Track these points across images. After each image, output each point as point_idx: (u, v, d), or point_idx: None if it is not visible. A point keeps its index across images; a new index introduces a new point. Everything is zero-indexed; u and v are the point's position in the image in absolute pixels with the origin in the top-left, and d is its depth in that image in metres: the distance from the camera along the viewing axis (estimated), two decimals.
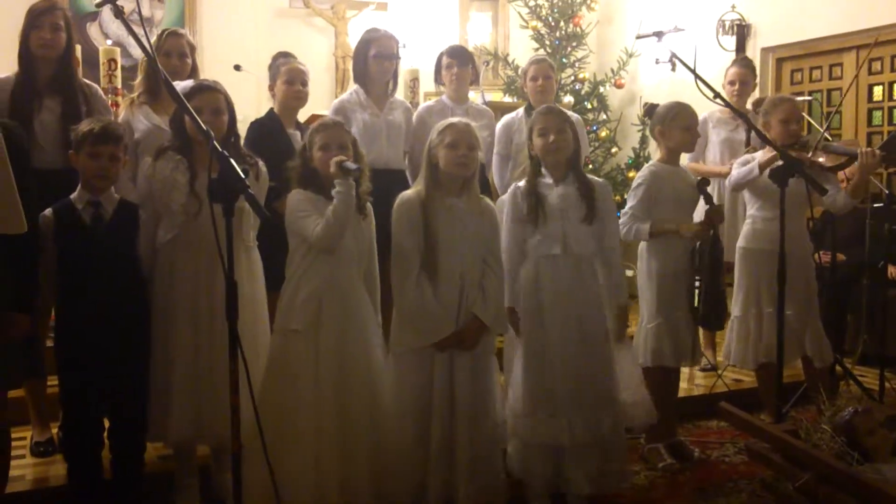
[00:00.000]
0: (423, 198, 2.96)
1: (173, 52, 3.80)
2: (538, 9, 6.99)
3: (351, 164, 2.80)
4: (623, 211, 3.47)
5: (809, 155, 3.65)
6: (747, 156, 3.86)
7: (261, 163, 3.10)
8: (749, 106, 4.64)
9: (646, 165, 3.63)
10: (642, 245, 3.54)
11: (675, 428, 3.67)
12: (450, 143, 2.93)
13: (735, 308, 3.89)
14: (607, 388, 3.08)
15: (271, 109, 3.91)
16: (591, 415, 3.01)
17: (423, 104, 4.73)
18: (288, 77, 3.82)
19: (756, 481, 3.30)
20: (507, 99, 6.82)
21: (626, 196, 6.49)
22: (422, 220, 2.93)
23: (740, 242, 3.90)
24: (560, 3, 6.95)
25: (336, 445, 2.79)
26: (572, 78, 6.91)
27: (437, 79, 4.45)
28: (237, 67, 5.67)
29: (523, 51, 7.07)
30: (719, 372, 4.34)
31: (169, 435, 2.97)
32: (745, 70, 4.67)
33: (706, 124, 4.58)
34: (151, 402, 2.97)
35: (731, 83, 4.62)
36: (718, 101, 3.36)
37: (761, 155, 3.75)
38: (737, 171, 3.79)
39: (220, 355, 2.74)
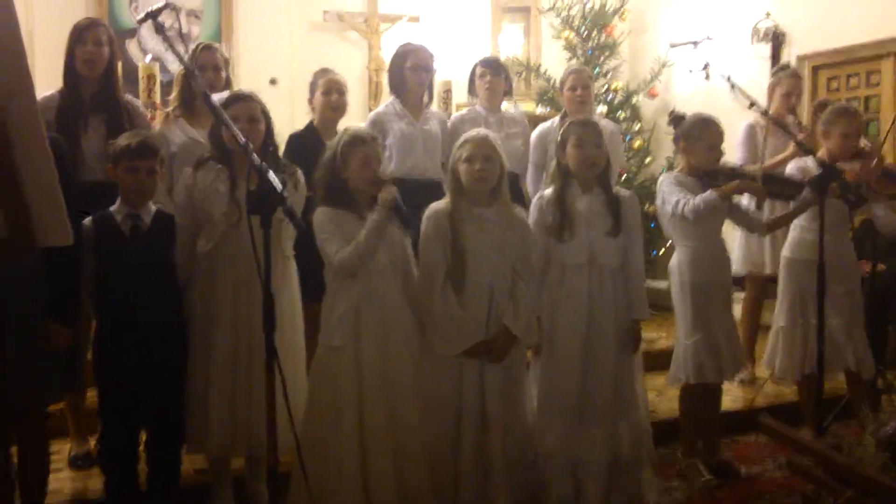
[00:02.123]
0: (451, 209, 2.97)
1: (208, 66, 3.85)
2: (570, 19, 6.97)
3: (402, 205, 2.81)
4: (675, 201, 3.32)
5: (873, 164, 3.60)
6: (801, 161, 3.78)
7: (299, 172, 3.11)
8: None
9: (665, 175, 3.53)
10: (674, 259, 3.48)
11: (718, 445, 3.60)
12: (466, 157, 2.94)
13: (779, 318, 3.82)
14: (629, 402, 3.06)
15: (310, 122, 3.97)
16: (611, 429, 3.00)
17: (456, 113, 4.75)
18: (325, 88, 3.91)
19: (797, 497, 3.24)
20: (540, 110, 6.80)
21: (657, 205, 6.48)
22: (449, 231, 2.93)
23: (785, 252, 3.83)
24: (592, 14, 6.93)
25: (388, 456, 2.80)
26: (605, 87, 6.87)
27: (471, 89, 4.47)
28: (273, 81, 5.75)
29: (555, 61, 7.05)
30: (760, 384, 4.27)
31: (208, 446, 2.99)
32: (798, 81, 4.60)
33: (755, 131, 4.52)
34: (190, 413, 2.98)
35: (788, 95, 4.50)
36: (755, 109, 3.32)
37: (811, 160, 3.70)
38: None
39: (259, 365, 2.77)
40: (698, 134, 3.41)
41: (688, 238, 3.42)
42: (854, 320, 3.70)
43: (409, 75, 4.06)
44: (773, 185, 3.55)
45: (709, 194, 3.26)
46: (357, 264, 2.81)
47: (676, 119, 3.52)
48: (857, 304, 3.74)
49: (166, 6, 2.50)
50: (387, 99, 4.32)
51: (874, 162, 3.68)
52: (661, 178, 3.53)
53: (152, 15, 2.45)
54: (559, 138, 3.15)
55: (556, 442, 3.00)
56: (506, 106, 4.58)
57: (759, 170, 3.53)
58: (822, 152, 3.80)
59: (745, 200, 3.86)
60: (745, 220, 3.60)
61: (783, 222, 3.72)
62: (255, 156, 2.27)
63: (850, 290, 3.67)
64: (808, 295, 3.65)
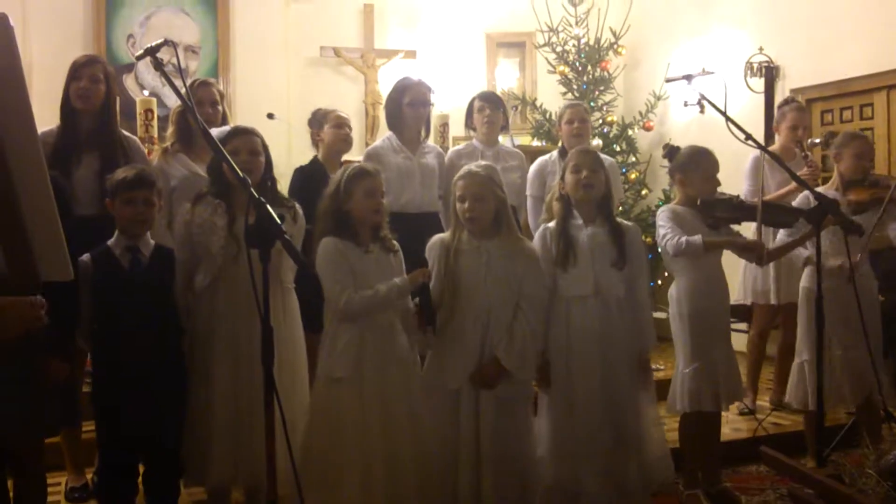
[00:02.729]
0: (449, 241, 2.98)
1: (205, 101, 3.89)
2: (565, 54, 7.05)
3: (430, 292, 2.86)
4: (662, 234, 3.37)
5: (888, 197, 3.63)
6: (806, 196, 3.80)
7: (297, 206, 3.14)
8: (818, 139, 4.61)
9: (663, 208, 3.55)
10: (672, 288, 3.49)
11: (718, 474, 3.56)
12: (459, 196, 2.97)
13: (803, 352, 3.74)
14: (635, 435, 3.05)
15: (315, 157, 4.05)
16: (616, 462, 2.98)
17: (452, 148, 4.78)
18: (336, 122, 4.02)
19: None
20: (536, 143, 6.85)
21: (655, 237, 6.49)
22: (444, 263, 2.94)
23: (804, 282, 3.79)
24: (587, 49, 7.01)
25: (386, 491, 2.78)
26: (601, 121, 6.93)
27: (468, 123, 4.51)
28: (270, 116, 5.77)
29: (551, 95, 7.13)
30: (765, 415, 4.25)
31: (208, 479, 2.97)
32: (803, 114, 4.65)
33: (760, 162, 4.54)
34: (191, 445, 2.96)
35: (794, 127, 4.55)
36: (750, 142, 3.34)
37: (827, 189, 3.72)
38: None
39: (260, 398, 2.74)
40: (694, 165, 3.43)
41: (686, 268, 3.42)
42: (875, 349, 3.64)
43: (408, 111, 4.10)
44: (771, 213, 3.56)
45: (696, 239, 3.29)
46: (362, 315, 2.82)
47: (671, 151, 3.54)
48: (878, 331, 3.69)
49: (165, 43, 2.51)
50: (384, 133, 4.36)
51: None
52: (658, 211, 3.55)
53: (151, 51, 2.47)
54: (560, 171, 3.19)
55: (596, 479, 2.96)
56: (501, 140, 4.62)
57: (758, 202, 3.54)
58: (834, 177, 3.86)
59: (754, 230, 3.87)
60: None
61: (784, 252, 3.71)
62: (252, 190, 2.28)
63: (871, 319, 3.60)
64: (830, 325, 3.58)
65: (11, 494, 2.80)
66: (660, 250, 3.48)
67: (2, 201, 1.17)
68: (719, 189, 3.52)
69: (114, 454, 2.95)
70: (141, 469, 3.02)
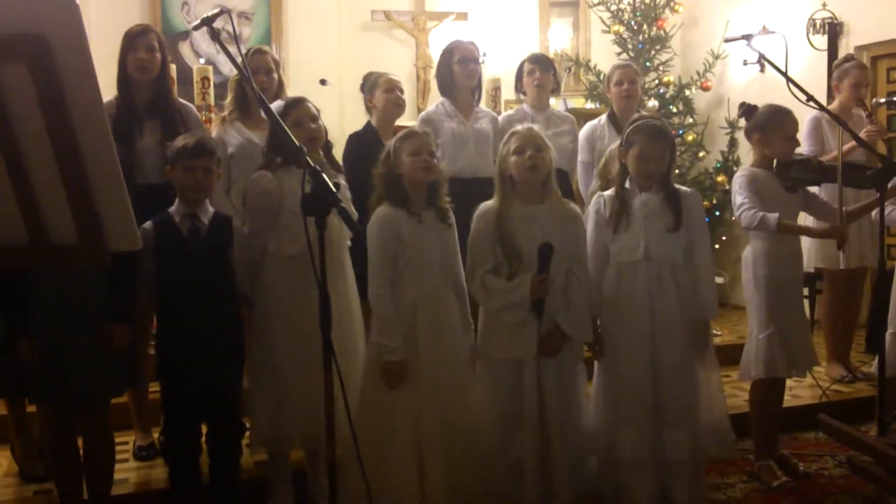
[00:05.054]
0: (499, 207, 2.95)
1: (260, 70, 3.89)
2: (620, 13, 6.90)
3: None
4: (739, 203, 3.30)
5: None
6: None
7: (341, 176, 3.16)
8: (882, 99, 4.49)
9: (741, 171, 3.48)
10: (747, 252, 3.42)
11: (777, 441, 3.53)
12: (516, 149, 2.92)
13: (893, 323, 3.66)
14: (685, 407, 2.98)
15: (368, 122, 4.02)
16: (660, 433, 2.95)
17: (503, 114, 4.74)
18: (388, 86, 3.96)
19: (858, 496, 3.18)
20: (590, 105, 6.75)
21: (714, 201, 6.38)
22: (497, 231, 2.91)
23: None
24: (643, 7, 6.84)
25: (441, 453, 2.82)
26: (656, 81, 6.79)
27: (518, 87, 4.46)
28: (323, 82, 5.80)
29: (605, 56, 6.99)
30: (829, 384, 4.18)
31: (277, 442, 3.05)
32: (866, 71, 4.53)
33: (819, 123, 4.43)
34: (258, 409, 3.04)
35: (857, 86, 4.44)
36: (812, 104, 3.25)
37: None
38: None
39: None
40: (774, 125, 3.34)
41: (763, 233, 3.34)
42: None
43: (458, 69, 4.07)
44: (854, 174, 3.45)
45: (772, 218, 3.20)
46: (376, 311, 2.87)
47: (749, 111, 3.44)
48: None
49: (221, 12, 2.54)
50: (435, 97, 4.34)
51: None
52: (736, 175, 3.47)
53: (207, 21, 2.50)
54: (624, 138, 3.07)
55: (634, 446, 2.93)
56: (554, 103, 4.56)
57: (835, 159, 3.44)
58: None
59: (823, 193, 3.77)
60: (823, 213, 3.53)
61: (865, 212, 3.59)
62: (308, 158, 2.30)
63: None
64: None
65: (81, 452, 2.94)
66: (734, 217, 3.41)
67: (71, 172, 1.21)
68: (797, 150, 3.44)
69: (177, 415, 3.04)
70: (205, 429, 3.12)
